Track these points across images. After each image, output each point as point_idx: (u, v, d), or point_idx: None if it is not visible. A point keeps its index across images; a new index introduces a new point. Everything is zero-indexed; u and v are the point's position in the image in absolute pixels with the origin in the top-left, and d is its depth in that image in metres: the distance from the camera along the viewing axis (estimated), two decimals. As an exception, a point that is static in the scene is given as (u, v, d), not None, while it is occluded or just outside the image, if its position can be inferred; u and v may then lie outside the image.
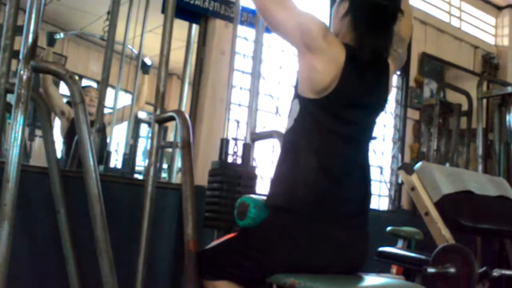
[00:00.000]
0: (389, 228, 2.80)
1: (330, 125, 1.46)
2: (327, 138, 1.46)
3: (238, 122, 2.76)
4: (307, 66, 1.44)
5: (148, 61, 3.33)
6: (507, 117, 3.99)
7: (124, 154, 3.20)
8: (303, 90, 1.47)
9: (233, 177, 2.20)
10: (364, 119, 1.53)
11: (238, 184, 2.20)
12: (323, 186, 1.43)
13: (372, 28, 1.46)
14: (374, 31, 1.46)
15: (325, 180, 1.44)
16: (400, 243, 2.76)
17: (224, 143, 2.31)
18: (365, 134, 1.56)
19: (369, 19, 1.47)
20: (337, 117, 1.46)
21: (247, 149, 2.34)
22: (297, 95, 1.51)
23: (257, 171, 2.37)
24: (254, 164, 2.40)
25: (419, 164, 2.53)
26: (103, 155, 2.80)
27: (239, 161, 2.33)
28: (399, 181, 3.70)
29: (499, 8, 4.67)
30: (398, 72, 3.75)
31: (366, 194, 1.54)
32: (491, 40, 4.64)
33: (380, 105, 1.58)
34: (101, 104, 2.48)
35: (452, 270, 1.98)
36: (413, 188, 2.41)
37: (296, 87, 1.52)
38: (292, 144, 1.50)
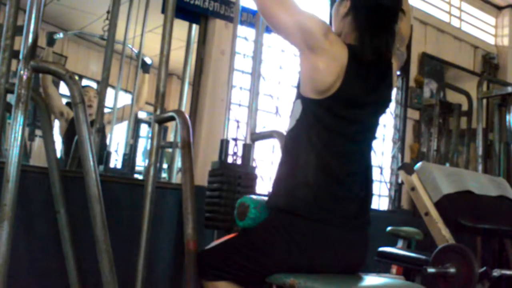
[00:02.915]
0: (389, 228, 2.80)
1: (333, 125, 1.45)
2: (329, 138, 1.45)
3: (238, 122, 2.77)
4: (309, 66, 1.44)
5: (148, 60, 3.33)
6: (507, 117, 3.98)
7: (124, 154, 3.20)
8: (306, 91, 1.47)
9: (233, 177, 2.20)
10: (367, 119, 1.53)
11: (238, 184, 2.20)
12: (324, 186, 1.43)
13: (373, 28, 1.46)
14: (376, 31, 1.46)
15: (325, 180, 1.43)
16: (400, 243, 2.76)
17: (224, 143, 2.31)
18: (368, 134, 1.56)
19: (370, 19, 1.46)
20: (340, 117, 1.46)
21: (247, 149, 2.35)
22: (299, 96, 1.50)
23: (257, 171, 2.37)
24: (254, 164, 2.40)
25: (419, 164, 2.53)
26: (103, 155, 2.80)
27: (239, 161, 2.33)
28: (399, 181, 3.70)
29: (499, 8, 4.67)
30: (398, 72, 3.75)
31: (367, 194, 1.53)
32: (491, 40, 4.63)
33: (383, 105, 1.58)
34: (101, 104, 2.48)
35: (452, 270, 1.98)
36: (413, 188, 2.41)
37: (298, 88, 1.51)
38: (294, 144, 1.50)
